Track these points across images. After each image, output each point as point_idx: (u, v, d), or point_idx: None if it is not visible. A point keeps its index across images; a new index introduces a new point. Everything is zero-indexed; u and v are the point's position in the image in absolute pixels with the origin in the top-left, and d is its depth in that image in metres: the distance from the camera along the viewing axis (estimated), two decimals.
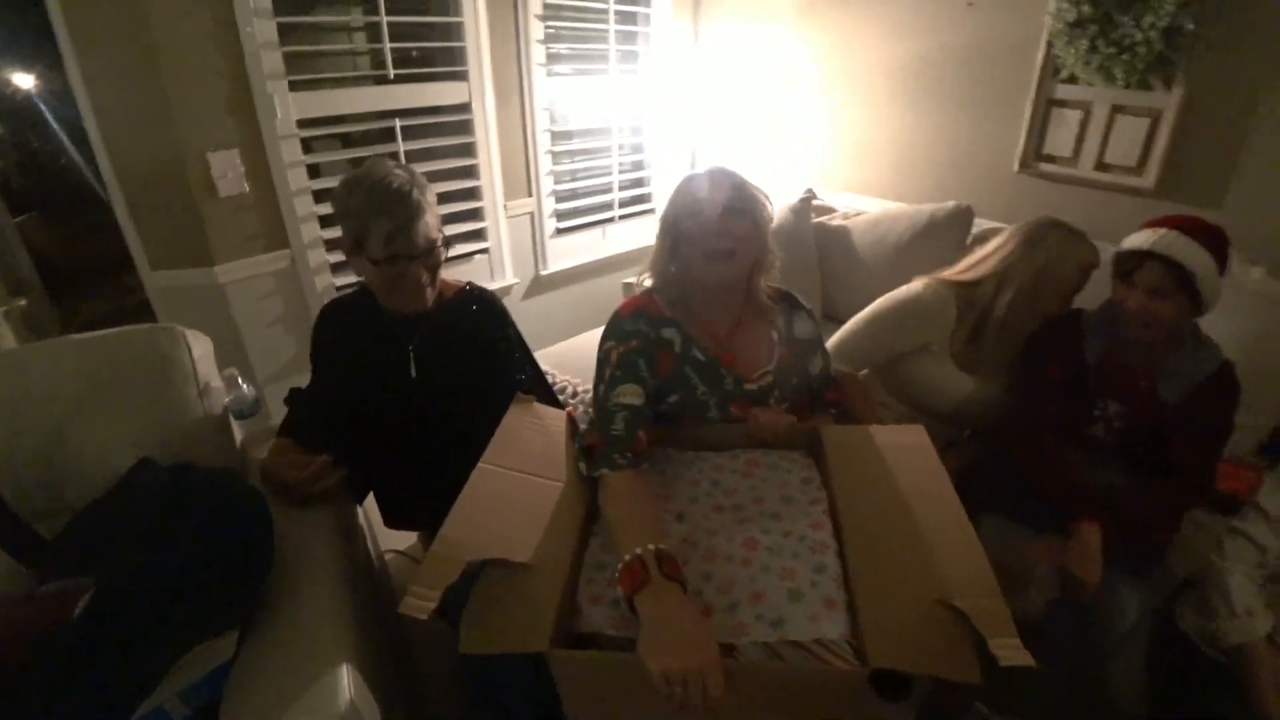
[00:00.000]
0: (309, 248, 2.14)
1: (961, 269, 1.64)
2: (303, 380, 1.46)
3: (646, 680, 0.80)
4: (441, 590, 0.84)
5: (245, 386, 1.51)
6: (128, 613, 0.93)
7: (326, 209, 2.15)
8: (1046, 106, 2.22)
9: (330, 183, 2.16)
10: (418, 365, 1.39)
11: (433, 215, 1.29)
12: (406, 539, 2.05)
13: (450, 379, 1.39)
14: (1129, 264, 1.34)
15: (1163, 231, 1.29)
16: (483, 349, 1.42)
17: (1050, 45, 2.13)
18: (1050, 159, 2.27)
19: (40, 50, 2.89)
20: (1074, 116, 2.18)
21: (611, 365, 1.19)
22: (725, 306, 1.27)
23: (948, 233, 2.19)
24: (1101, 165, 2.16)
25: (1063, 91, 2.18)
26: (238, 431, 1.48)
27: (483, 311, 1.45)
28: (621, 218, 3.01)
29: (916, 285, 1.62)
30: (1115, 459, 1.44)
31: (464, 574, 0.88)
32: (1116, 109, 2.09)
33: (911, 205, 2.37)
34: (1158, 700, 1.30)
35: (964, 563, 0.92)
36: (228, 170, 1.94)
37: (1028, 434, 1.46)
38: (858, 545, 0.98)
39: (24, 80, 3.19)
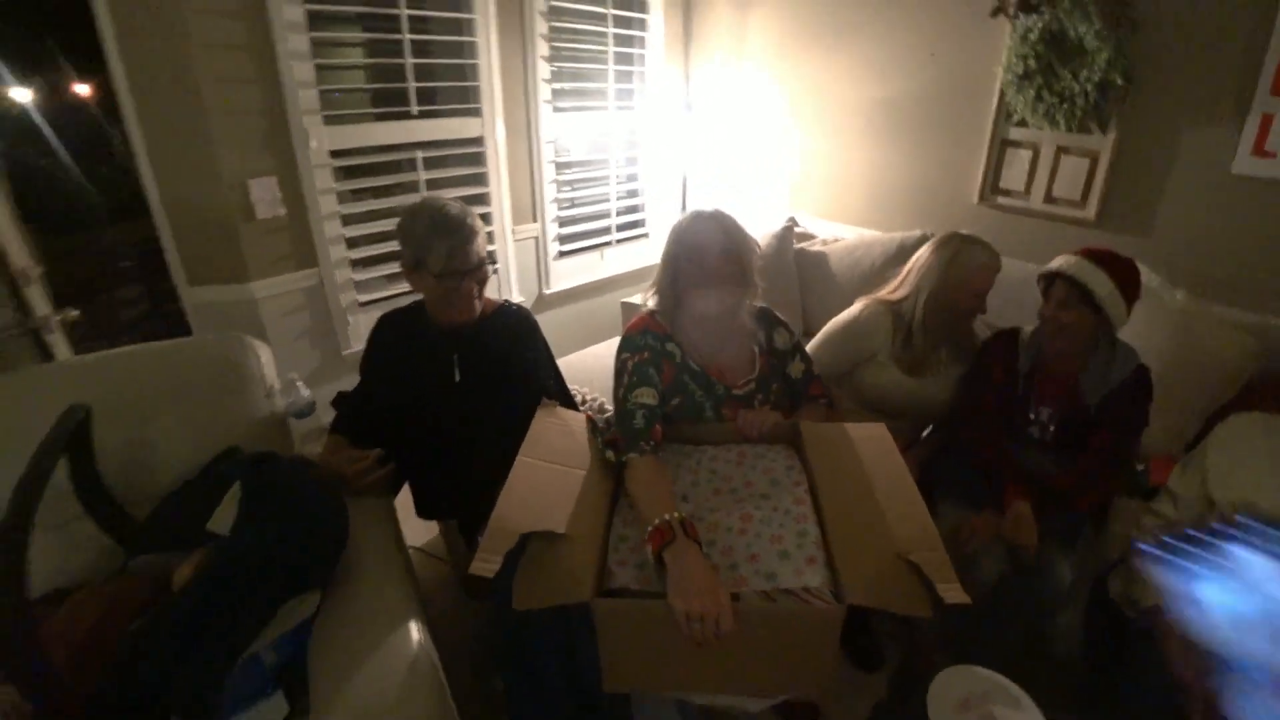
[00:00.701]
0: (335, 267, 2.32)
1: (891, 287, 1.88)
2: (330, 387, 1.65)
3: (672, 623, 0.99)
4: (503, 555, 1.01)
5: (303, 389, 1.68)
6: (238, 574, 1.11)
7: (353, 231, 2.33)
8: (1001, 146, 2.49)
9: (357, 208, 2.35)
10: (461, 371, 1.59)
11: (482, 238, 1.51)
12: (423, 535, 2.21)
13: (488, 384, 1.59)
14: (1044, 283, 1.62)
15: (1070, 256, 1.57)
16: (517, 358, 1.63)
17: (1003, 93, 2.40)
18: (1006, 192, 2.53)
19: (44, 68, 3.00)
20: (1025, 155, 2.44)
21: (629, 373, 1.42)
22: (714, 329, 1.49)
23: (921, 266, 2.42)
24: (1050, 199, 2.42)
25: (1015, 133, 2.45)
26: (294, 429, 1.65)
27: (518, 325, 1.67)
28: (618, 241, 3.23)
29: (856, 306, 1.87)
30: (1050, 455, 1.67)
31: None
32: (1061, 149, 2.35)
33: (883, 233, 2.62)
34: (1091, 654, 1.52)
35: (915, 526, 1.13)
36: (266, 195, 2.12)
37: (971, 419, 1.71)
38: (833, 515, 1.19)
39: (21, 94, 3.29)
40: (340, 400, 1.65)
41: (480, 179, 2.62)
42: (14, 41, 2.73)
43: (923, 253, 1.84)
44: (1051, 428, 1.67)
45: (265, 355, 1.56)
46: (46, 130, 3.33)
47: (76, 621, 1.12)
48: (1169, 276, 2.02)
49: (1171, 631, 1.25)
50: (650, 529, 1.13)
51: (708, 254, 1.40)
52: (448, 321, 1.58)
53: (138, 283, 3.39)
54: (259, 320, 2.21)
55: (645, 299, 1.56)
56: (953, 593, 0.98)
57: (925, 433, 1.96)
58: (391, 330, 1.63)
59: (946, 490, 1.69)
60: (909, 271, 1.85)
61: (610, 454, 1.35)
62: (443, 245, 1.45)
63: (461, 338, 1.59)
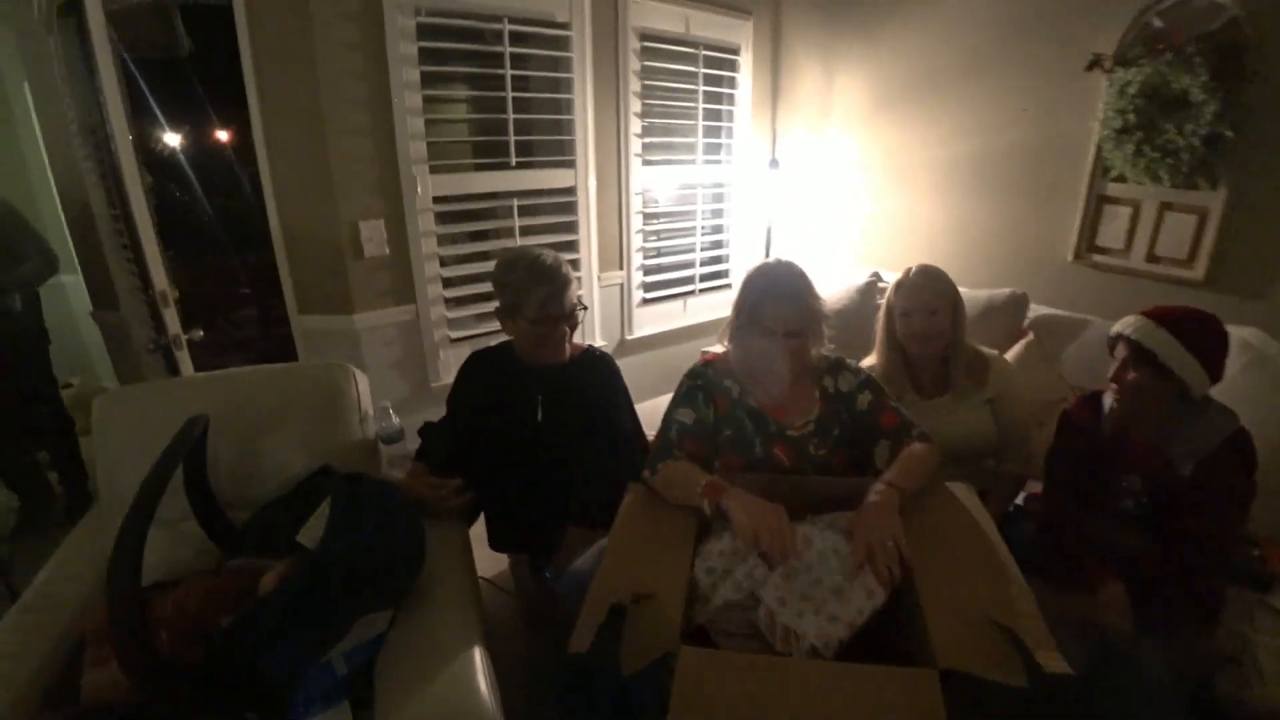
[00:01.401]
0: (431, 304, 2.46)
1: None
2: (417, 417, 1.74)
3: (754, 676, 0.98)
4: (595, 629, 1.03)
5: (394, 417, 1.78)
6: (320, 585, 1.17)
7: (449, 272, 2.48)
8: (1098, 202, 2.41)
9: (455, 250, 2.51)
10: (544, 411, 1.66)
11: (574, 285, 1.60)
12: (493, 568, 2.25)
13: (569, 425, 1.65)
14: (1110, 343, 1.52)
15: (1133, 316, 1.47)
16: (598, 401, 1.69)
17: (1099, 148, 2.34)
18: (1103, 250, 2.44)
19: (189, 113, 3.39)
20: (1124, 212, 2.35)
21: (679, 393, 1.52)
22: (779, 378, 1.50)
23: (1004, 318, 2.36)
24: (1153, 258, 2.32)
25: (1112, 189, 2.37)
26: (383, 453, 1.75)
27: (601, 370, 1.74)
28: (701, 290, 3.30)
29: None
30: (1144, 530, 1.52)
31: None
32: (1165, 205, 2.25)
33: (970, 290, 2.56)
34: None
35: (1007, 590, 1.08)
36: (373, 235, 2.29)
37: (1052, 499, 1.61)
38: (927, 575, 1.12)
39: (172, 139, 3.68)
40: (426, 430, 1.74)
41: (570, 227, 2.74)
42: (172, 93, 3.12)
43: None
44: (1143, 498, 1.53)
45: (363, 384, 1.68)
46: (188, 169, 3.76)
47: (180, 610, 1.21)
48: None
49: None
50: (701, 488, 1.27)
51: (773, 302, 1.43)
52: (536, 363, 1.65)
53: (254, 306, 3.71)
54: (359, 349, 2.36)
55: (720, 339, 1.60)
56: (1053, 660, 0.91)
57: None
58: (481, 367, 1.72)
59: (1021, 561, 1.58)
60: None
61: (645, 473, 1.41)
62: (539, 292, 1.53)
63: (546, 379, 1.66)
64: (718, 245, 3.34)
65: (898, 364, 1.79)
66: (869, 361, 1.85)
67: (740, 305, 1.50)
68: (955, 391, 1.77)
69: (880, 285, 2.77)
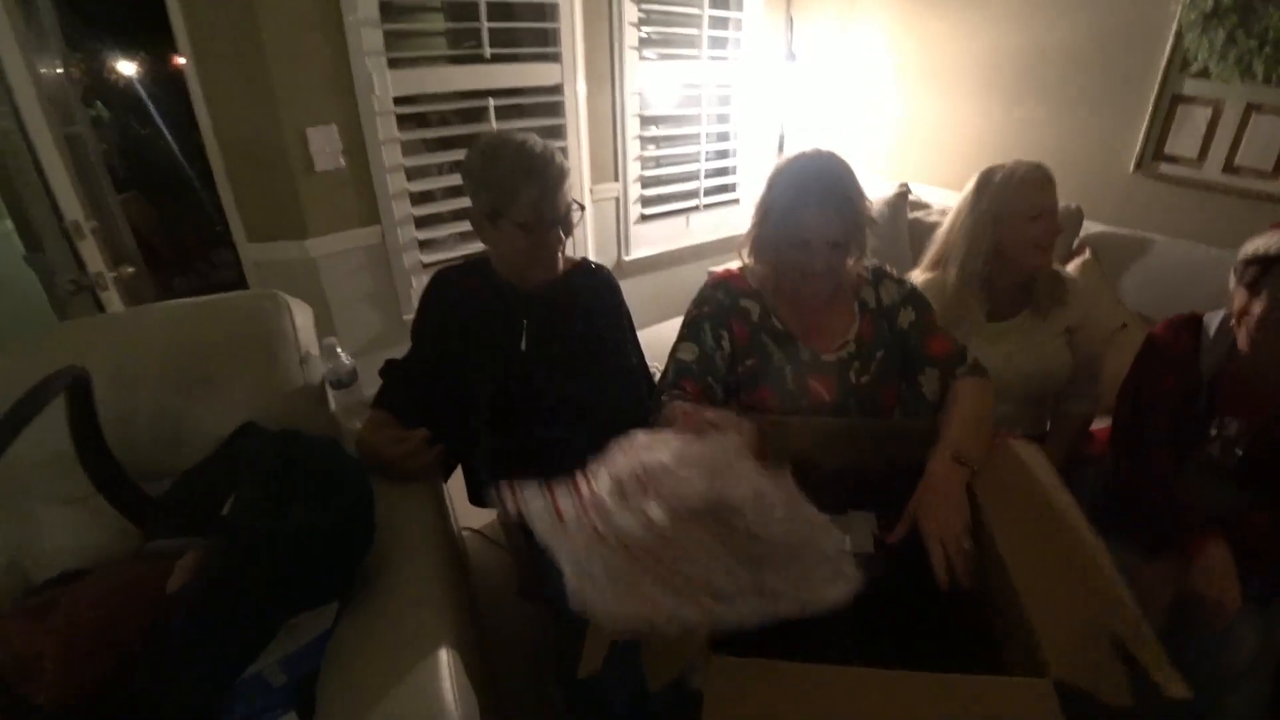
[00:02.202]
0: (400, 224, 2.16)
1: (930, 255, 1.62)
2: (390, 354, 1.47)
3: (790, 687, 0.76)
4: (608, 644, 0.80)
5: (343, 356, 1.51)
6: (237, 580, 0.94)
7: (418, 186, 2.16)
8: (1170, 103, 2.08)
9: (423, 160, 2.18)
10: (529, 339, 1.39)
11: (570, 180, 1.31)
12: (484, 516, 2.06)
13: (561, 355, 1.39)
14: (1254, 270, 1.22)
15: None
16: (597, 326, 1.43)
17: (1180, 36, 1.99)
18: (1172, 159, 2.13)
19: (147, 39, 3.01)
20: (1202, 114, 2.03)
21: (684, 325, 1.26)
22: (814, 299, 1.24)
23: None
24: (1231, 168, 2.02)
25: (1190, 87, 2.03)
26: (334, 401, 1.50)
27: (601, 289, 1.46)
28: (706, 206, 2.95)
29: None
30: (1230, 482, 1.32)
31: None
32: (1252, 107, 1.94)
33: None
34: None
35: (1104, 585, 0.85)
36: (325, 146, 1.96)
37: (1134, 449, 1.36)
38: (1020, 564, 0.89)
39: (127, 68, 3.31)
40: (388, 369, 1.48)
41: (557, 131, 2.39)
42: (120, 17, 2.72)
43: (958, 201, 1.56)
44: (1239, 449, 1.31)
45: (302, 316, 1.40)
46: (149, 103, 3.41)
47: (74, 624, 0.98)
48: None
49: None
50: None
51: (811, 204, 1.14)
52: (521, 281, 1.38)
53: (231, 245, 3.43)
54: (318, 280, 2.08)
55: (740, 253, 1.33)
56: (1174, 684, 0.72)
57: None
58: (450, 289, 1.44)
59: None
60: (940, 233, 1.60)
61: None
62: (530, 191, 1.24)
63: (533, 300, 1.39)
64: (724, 155, 2.98)
65: (976, 280, 1.51)
66: (925, 277, 1.58)
67: (767, 209, 1.21)
68: (1034, 314, 1.53)
69: (910, 198, 2.46)
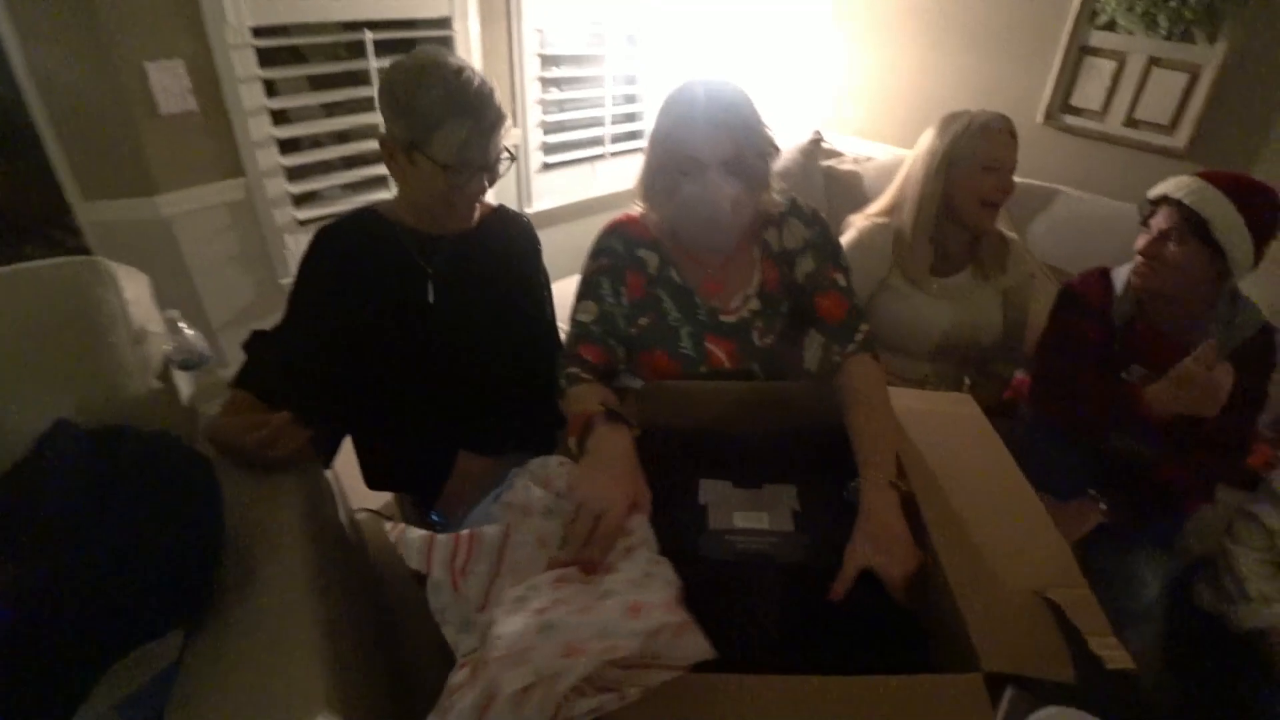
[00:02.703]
0: (267, 176, 1.91)
1: (883, 201, 1.57)
2: (266, 324, 1.28)
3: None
4: None
5: (190, 331, 1.30)
6: (49, 626, 0.77)
7: (287, 132, 1.91)
8: (1078, 54, 2.07)
9: (294, 102, 1.92)
10: (436, 291, 1.23)
11: (506, 126, 1.15)
12: (383, 496, 1.91)
13: (473, 310, 1.25)
14: (1147, 210, 1.29)
15: (1186, 178, 1.23)
16: (513, 279, 1.29)
17: None
18: (1077, 111, 2.14)
19: None
20: (1107, 67, 2.03)
21: (582, 281, 1.15)
22: (720, 230, 1.11)
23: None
24: (1131, 121, 2.04)
25: (1097, 39, 2.03)
26: (185, 386, 1.30)
27: (519, 239, 1.32)
28: (614, 154, 2.79)
29: (851, 230, 1.54)
30: (1139, 428, 1.36)
31: None
32: (1154, 61, 1.95)
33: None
34: (1177, 674, 1.26)
35: (1043, 547, 0.83)
36: (170, 84, 1.69)
37: (1067, 399, 1.37)
38: (946, 538, 0.84)
39: None
40: (254, 343, 1.29)
41: None
42: None
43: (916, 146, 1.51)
44: None
45: (134, 287, 1.18)
46: None
47: None
48: None
49: None
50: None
51: (698, 119, 1.03)
52: (431, 228, 1.23)
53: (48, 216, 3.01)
54: (174, 242, 1.82)
55: (633, 196, 1.19)
56: (1114, 654, 0.69)
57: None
58: (337, 246, 1.24)
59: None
60: (898, 177, 1.54)
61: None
62: (460, 129, 1.08)
63: (437, 250, 1.23)
64: (633, 100, 2.81)
65: (926, 231, 1.46)
66: (876, 221, 1.51)
67: (655, 140, 1.09)
68: (975, 274, 1.50)
69: (824, 146, 2.38)
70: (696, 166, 1.03)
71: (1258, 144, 1.83)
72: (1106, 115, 2.07)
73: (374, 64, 1.97)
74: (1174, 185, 1.23)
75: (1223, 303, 1.28)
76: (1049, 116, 2.17)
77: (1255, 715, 1.12)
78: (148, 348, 1.19)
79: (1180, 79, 1.90)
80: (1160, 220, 1.25)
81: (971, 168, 1.39)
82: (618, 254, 1.13)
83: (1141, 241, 1.28)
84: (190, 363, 1.28)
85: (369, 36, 1.94)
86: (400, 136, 1.12)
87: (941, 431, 1.01)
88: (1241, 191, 1.19)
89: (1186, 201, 1.20)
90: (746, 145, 1.03)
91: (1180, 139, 1.94)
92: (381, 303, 1.23)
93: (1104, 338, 1.36)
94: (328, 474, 1.47)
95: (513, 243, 1.32)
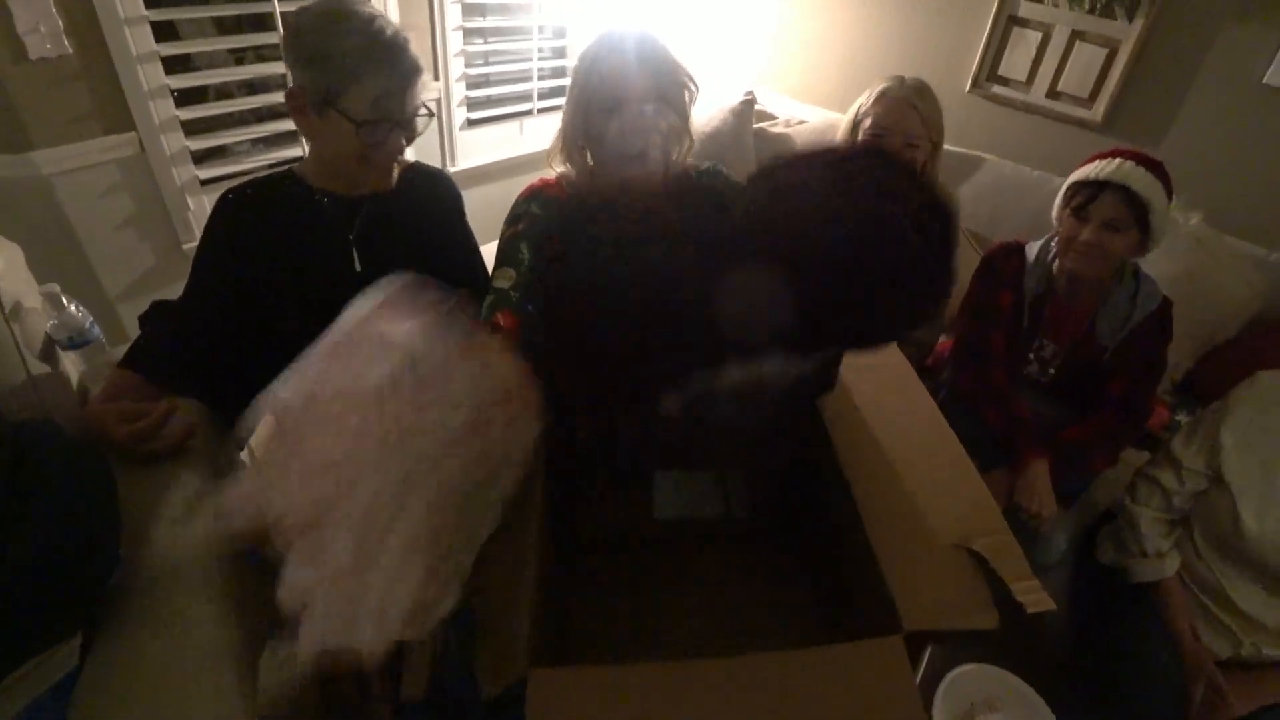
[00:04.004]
0: (163, 131, 1.74)
1: None
2: (167, 294, 1.19)
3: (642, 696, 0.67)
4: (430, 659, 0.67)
5: (71, 306, 1.19)
6: None
7: (183, 82, 1.74)
8: (1007, 24, 2.10)
9: (191, 48, 1.75)
10: (362, 256, 1.17)
11: (425, 79, 1.08)
12: None
13: (402, 269, 1.18)
14: (1082, 196, 1.30)
15: (1119, 161, 1.26)
16: (440, 240, 1.24)
17: None
18: (1004, 81, 2.17)
19: None
20: (1033, 38, 2.07)
21: (499, 248, 1.12)
22: (644, 168, 1.10)
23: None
24: (1054, 93, 2.09)
25: (1025, 9, 2.05)
26: (73, 367, 1.19)
27: (442, 194, 1.27)
28: (541, 111, 2.67)
29: None
30: (1045, 397, 1.46)
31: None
32: (1077, 34, 1.99)
33: (844, 114, 2.23)
34: (1079, 625, 1.36)
35: (967, 495, 0.84)
36: (37, 23, 1.50)
37: (975, 364, 1.44)
38: (867, 491, 0.85)
39: None
40: (152, 314, 1.19)
41: None
42: None
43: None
44: (1052, 369, 1.44)
45: (5, 258, 1.08)
46: None
47: None
48: (1182, 196, 1.75)
49: (1180, 608, 1.20)
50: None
51: (631, 105, 1.04)
52: (347, 189, 1.16)
53: None
54: (56, 203, 1.65)
55: (550, 161, 1.20)
56: (1034, 598, 0.71)
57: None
58: (245, 211, 1.15)
59: None
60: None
61: None
62: (376, 80, 1.02)
63: (356, 212, 1.17)
64: (561, 55, 2.69)
65: None
66: None
67: (575, 88, 1.09)
68: None
69: (756, 108, 2.35)
70: (620, 104, 1.03)
71: (1167, 120, 1.91)
72: (1031, 86, 2.12)
73: (279, 6, 1.81)
74: (1114, 170, 1.24)
75: (1128, 282, 1.34)
76: (976, 84, 2.20)
77: (1143, 658, 1.20)
78: (25, 325, 1.08)
79: (1100, 53, 1.95)
80: (1106, 209, 1.26)
81: (866, 133, 1.44)
82: (535, 217, 1.11)
83: (1078, 228, 1.29)
84: (75, 341, 1.18)
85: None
86: (310, 89, 1.04)
87: (868, 380, 1.02)
88: (1160, 172, 1.24)
89: (1136, 189, 1.22)
90: (665, 76, 1.06)
91: (1097, 112, 2.00)
92: (301, 273, 1.15)
93: (1015, 310, 1.42)
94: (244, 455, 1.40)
95: (436, 202, 1.26)
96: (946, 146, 2.13)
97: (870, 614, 0.78)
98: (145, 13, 1.63)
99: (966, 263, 1.61)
